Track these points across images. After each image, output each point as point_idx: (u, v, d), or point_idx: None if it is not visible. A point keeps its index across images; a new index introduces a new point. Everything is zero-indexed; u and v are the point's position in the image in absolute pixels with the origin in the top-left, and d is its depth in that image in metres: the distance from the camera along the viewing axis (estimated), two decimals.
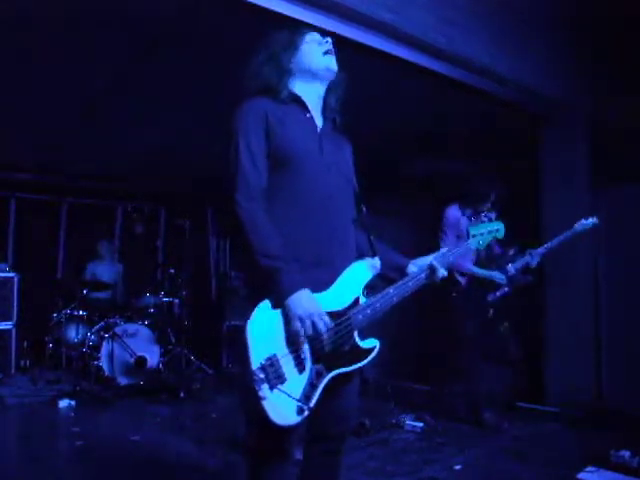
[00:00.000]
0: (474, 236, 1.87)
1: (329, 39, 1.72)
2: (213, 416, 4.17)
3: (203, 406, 4.42)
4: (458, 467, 2.96)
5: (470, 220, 3.67)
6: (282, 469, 1.59)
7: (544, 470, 2.94)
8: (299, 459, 1.73)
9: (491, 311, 3.82)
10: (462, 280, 3.84)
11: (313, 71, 1.68)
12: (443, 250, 1.78)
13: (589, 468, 2.87)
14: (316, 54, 1.68)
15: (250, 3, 2.61)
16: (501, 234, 1.93)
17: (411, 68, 3.38)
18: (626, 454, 2.92)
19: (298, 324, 1.43)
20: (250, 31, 1.75)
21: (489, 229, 1.90)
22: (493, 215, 1.98)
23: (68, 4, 2.83)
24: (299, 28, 1.76)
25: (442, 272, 1.72)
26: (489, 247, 3.87)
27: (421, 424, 3.69)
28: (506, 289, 3.80)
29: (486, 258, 3.91)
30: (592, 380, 4.19)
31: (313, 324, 1.44)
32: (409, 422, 3.71)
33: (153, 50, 3.37)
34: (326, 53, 1.69)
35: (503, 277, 3.76)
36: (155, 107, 4.45)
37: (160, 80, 3.89)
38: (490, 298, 3.80)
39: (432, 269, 1.71)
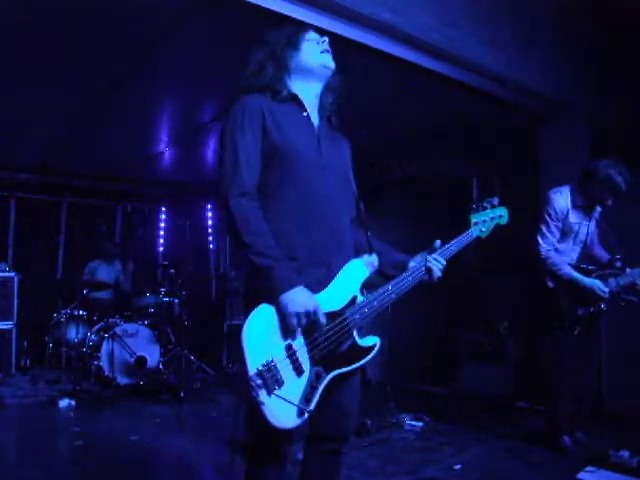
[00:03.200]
0: (476, 224, 1.82)
1: (326, 38, 1.73)
2: (213, 416, 4.18)
3: (203, 406, 4.43)
4: (458, 467, 2.96)
5: (582, 213, 3.20)
6: (280, 469, 1.59)
7: (544, 470, 2.95)
8: (299, 459, 1.72)
9: (578, 329, 3.14)
10: (551, 284, 3.20)
11: (310, 69, 1.69)
12: (438, 242, 1.73)
13: (589, 468, 2.87)
14: (314, 52, 1.69)
15: (250, 3, 2.61)
16: (504, 220, 1.87)
17: (411, 68, 3.38)
18: (626, 454, 2.92)
19: (294, 320, 1.41)
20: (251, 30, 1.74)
21: (492, 215, 1.84)
22: (496, 200, 1.85)
23: (68, 6, 2.83)
24: (299, 26, 1.78)
25: (437, 273, 1.67)
26: (592, 249, 3.35)
27: (421, 424, 3.70)
28: (602, 305, 3.13)
29: (588, 262, 3.29)
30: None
31: (308, 319, 1.43)
32: (409, 422, 3.71)
33: (154, 49, 3.37)
34: (323, 52, 1.70)
35: (606, 290, 3.10)
36: (155, 107, 4.46)
37: (161, 79, 3.89)
38: (581, 312, 3.14)
39: (428, 268, 1.68)
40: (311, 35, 1.73)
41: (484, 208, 1.85)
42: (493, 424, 3.79)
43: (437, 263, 1.69)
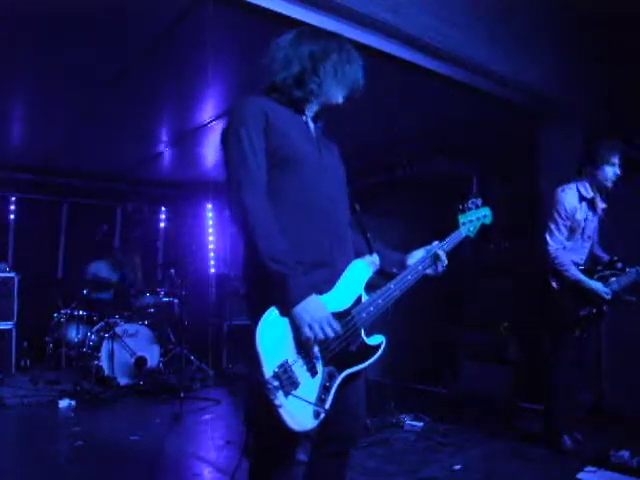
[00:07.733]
0: (464, 224, 1.86)
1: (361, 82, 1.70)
2: (213, 416, 4.18)
3: (203, 406, 4.43)
4: (458, 467, 2.96)
5: (588, 207, 3.22)
6: (289, 472, 1.60)
7: (544, 470, 2.95)
8: (302, 460, 1.72)
9: (579, 330, 3.16)
10: (555, 285, 3.19)
11: (328, 99, 1.67)
12: (436, 242, 1.78)
13: (589, 468, 2.87)
14: (341, 90, 1.66)
15: (250, 3, 2.61)
16: (489, 220, 1.93)
17: (411, 68, 3.38)
18: (626, 454, 2.92)
19: (308, 331, 1.41)
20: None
21: (477, 215, 1.89)
22: (479, 201, 1.90)
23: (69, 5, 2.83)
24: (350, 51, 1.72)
25: (444, 261, 1.73)
26: (593, 248, 3.35)
27: (421, 424, 3.70)
28: (604, 307, 3.15)
29: (590, 264, 3.28)
30: (592, 381, 4.18)
31: (322, 330, 1.42)
32: (409, 422, 3.71)
33: (154, 48, 3.36)
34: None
35: (609, 291, 3.10)
36: (156, 106, 4.46)
37: (161, 78, 3.89)
38: (583, 313, 3.13)
39: (436, 258, 1.72)
40: (358, 67, 1.70)
41: (469, 209, 1.90)
42: (493, 424, 3.79)
43: (444, 254, 1.74)
